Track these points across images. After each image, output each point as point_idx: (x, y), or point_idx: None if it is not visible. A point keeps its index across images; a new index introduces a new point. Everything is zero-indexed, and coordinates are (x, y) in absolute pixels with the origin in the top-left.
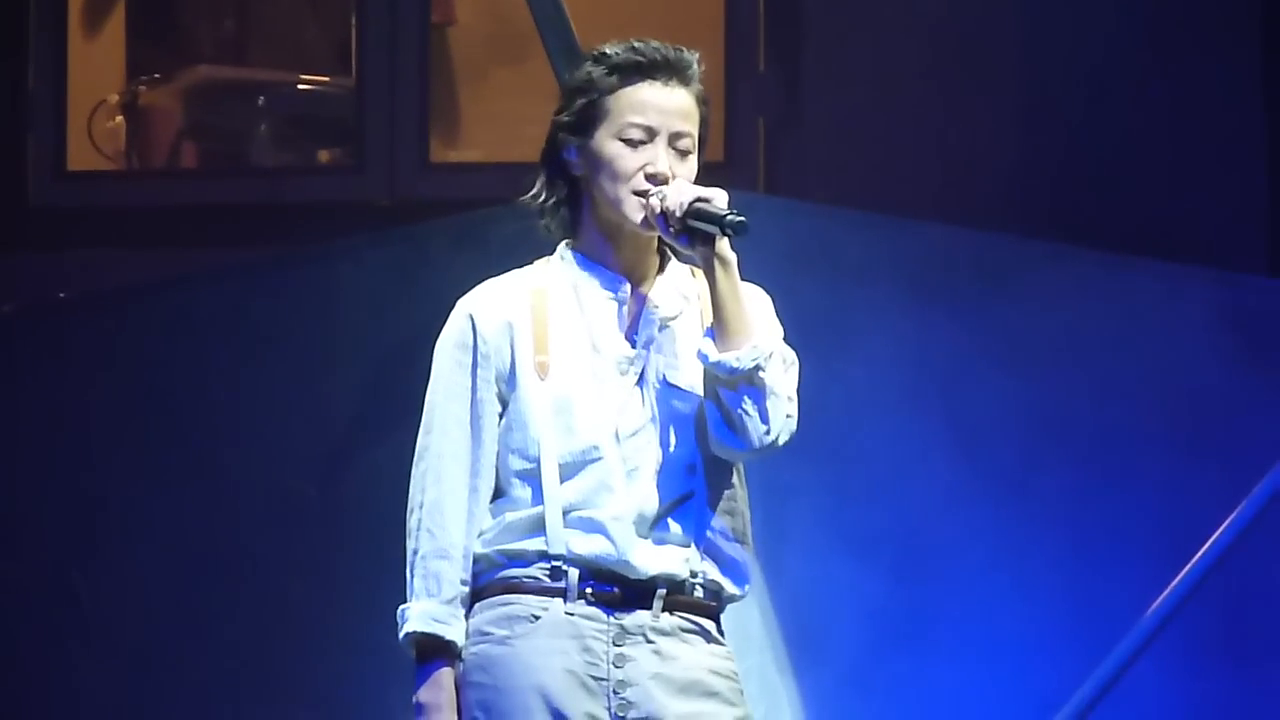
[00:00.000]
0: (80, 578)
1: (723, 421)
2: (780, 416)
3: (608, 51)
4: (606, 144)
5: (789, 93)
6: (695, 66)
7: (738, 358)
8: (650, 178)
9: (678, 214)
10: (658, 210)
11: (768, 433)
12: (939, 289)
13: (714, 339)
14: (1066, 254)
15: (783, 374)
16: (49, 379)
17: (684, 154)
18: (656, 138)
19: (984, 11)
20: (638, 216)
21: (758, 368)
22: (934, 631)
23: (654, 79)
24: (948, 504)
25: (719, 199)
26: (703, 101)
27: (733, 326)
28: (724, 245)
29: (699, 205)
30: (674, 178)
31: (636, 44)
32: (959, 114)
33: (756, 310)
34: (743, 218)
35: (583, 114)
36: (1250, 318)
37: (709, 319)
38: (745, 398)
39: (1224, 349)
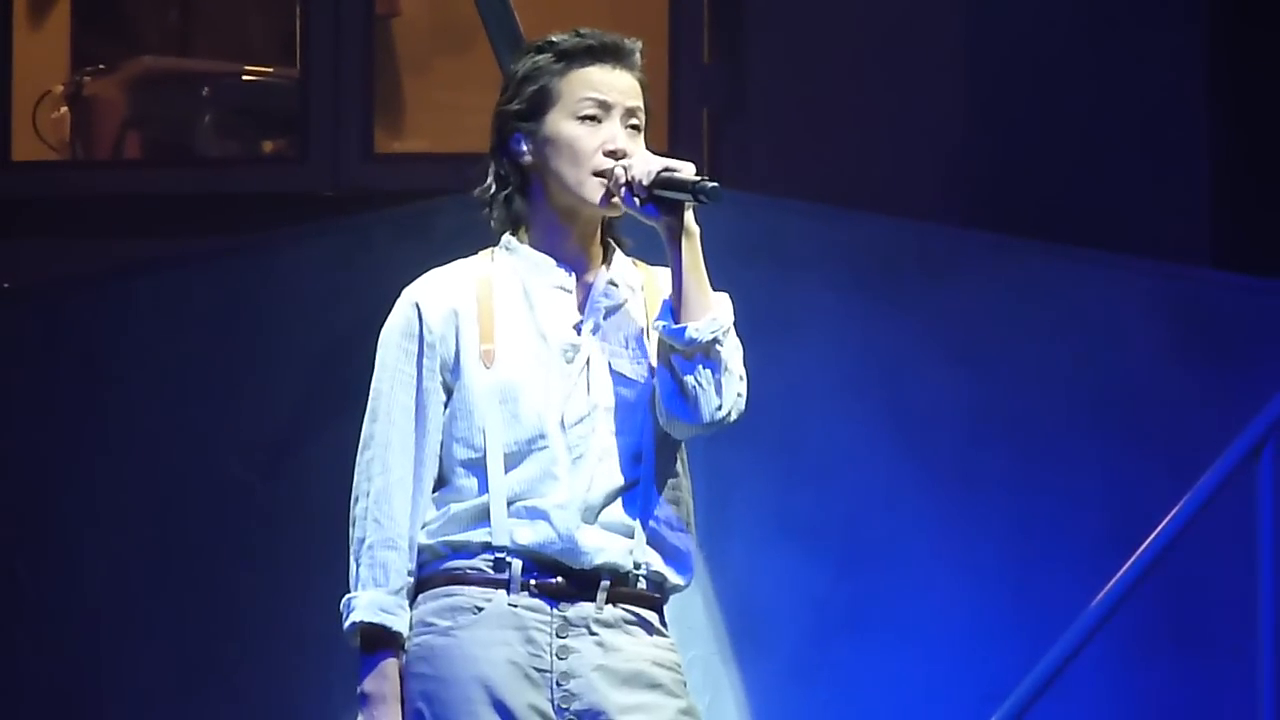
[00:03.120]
0: (23, 568)
1: (676, 393)
2: (732, 393)
3: (553, 39)
4: (562, 125)
5: (733, 84)
6: (638, 53)
7: (697, 328)
8: (610, 154)
9: (645, 183)
10: (623, 181)
11: (720, 407)
12: (882, 279)
13: (672, 310)
14: (1009, 245)
15: (736, 351)
16: None
17: (636, 130)
18: (611, 112)
19: (928, 3)
20: (597, 196)
21: (715, 340)
22: (877, 621)
23: (602, 62)
24: (891, 494)
25: (686, 169)
26: (645, 87)
27: (693, 298)
28: (689, 217)
29: (667, 174)
30: (629, 154)
31: (581, 31)
32: (902, 105)
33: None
34: (715, 183)
35: (532, 100)
36: (1192, 309)
37: (653, 309)
38: (701, 368)
39: (1166, 340)
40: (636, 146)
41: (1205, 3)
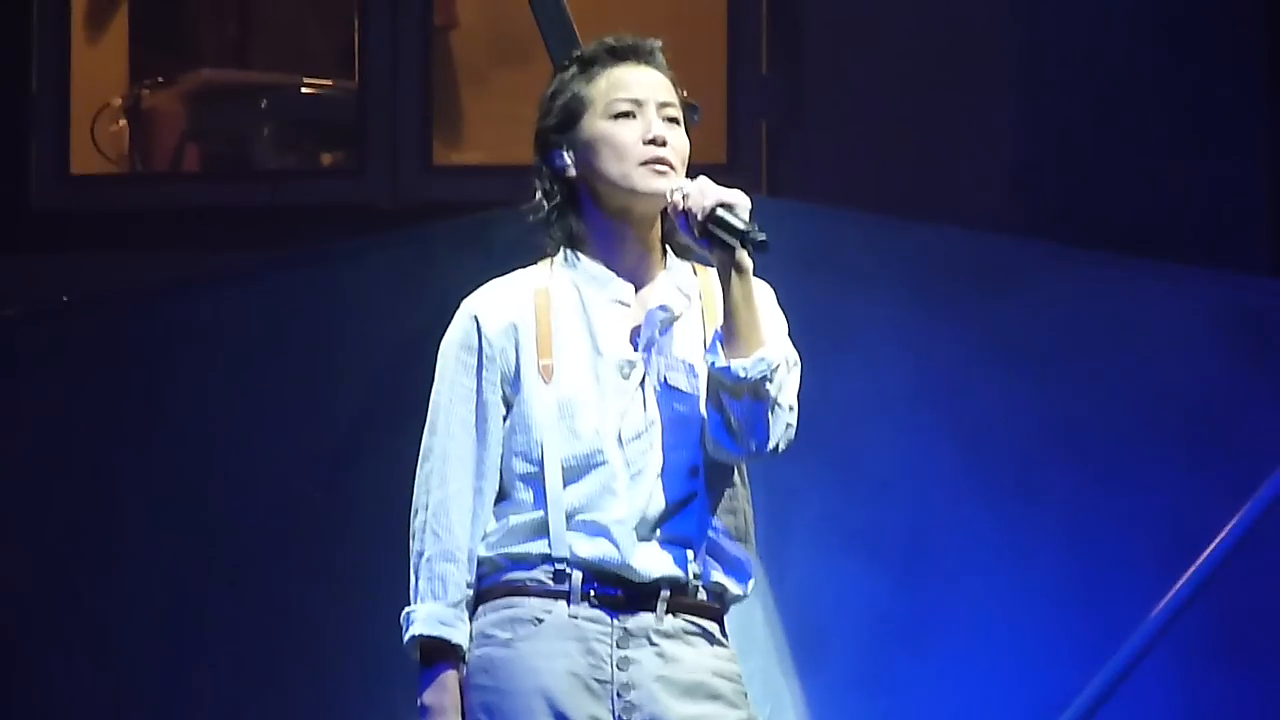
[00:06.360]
0: (83, 580)
1: (722, 426)
2: (781, 426)
3: (574, 54)
4: (598, 126)
5: (791, 95)
6: (658, 52)
7: (744, 368)
8: (650, 142)
9: (699, 217)
10: (680, 208)
11: (767, 441)
12: (941, 290)
13: (722, 343)
14: (1069, 255)
15: (787, 379)
16: (51, 382)
17: (673, 122)
18: (644, 107)
19: (985, 11)
20: (649, 184)
21: (764, 379)
22: (938, 633)
23: (625, 61)
24: (951, 505)
25: (742, 206)
26: (675, 84)
27: (743, 334)
28: (743, 255)
29: (722, 213)
30: (670, 143)
31: (601, 39)
32: (960, 114)
33: (767, 317)
34: (764, 236)
35: (565, 111)
36: (1253, 318)
37: (711, 318)
38: (748, 406)
39: (1227, 349)
40: (674, 138)
41: (1263, 8)
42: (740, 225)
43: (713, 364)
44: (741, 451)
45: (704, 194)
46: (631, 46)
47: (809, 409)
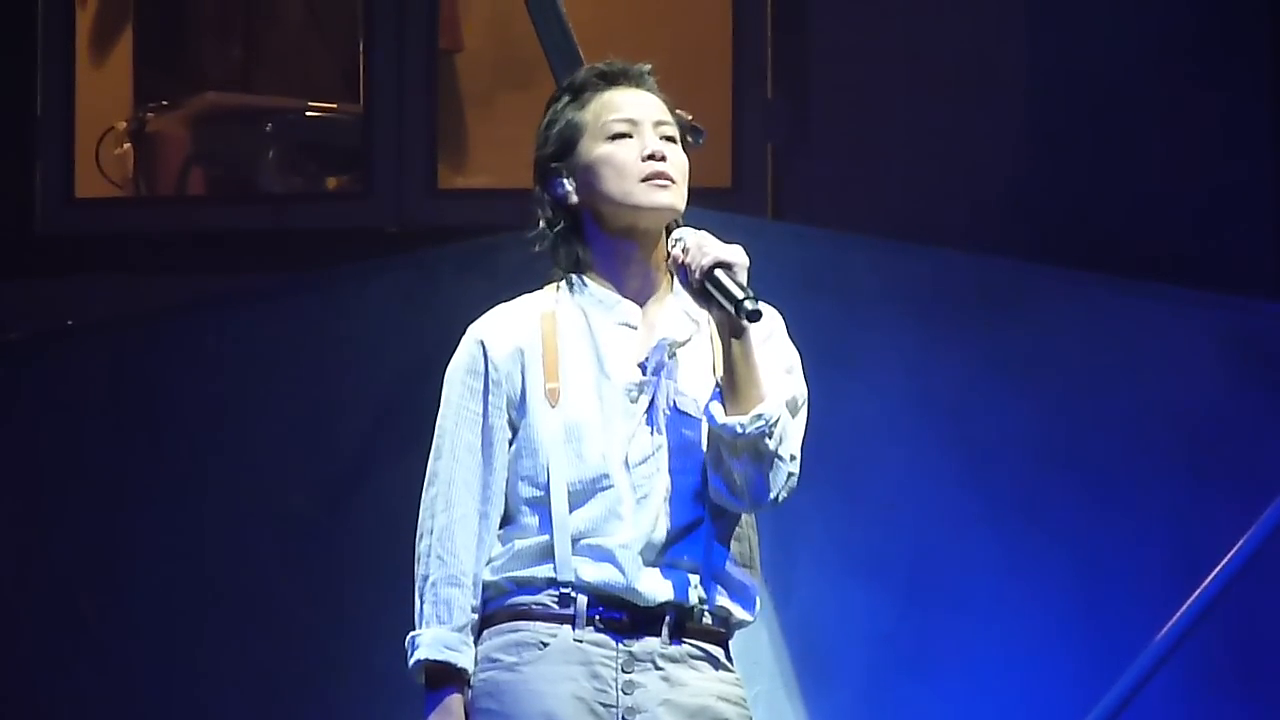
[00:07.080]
0: (86, 600)
1: (722, 482)
2: (781, 478)
3: (564, 83)
4: (596, 149)
5: (796, 119)
6: (649, 75)
7: (742, 424)
8: (649, 158)
9: (697, 274)
10: (679, 261)
11: (766, 495)
12: (946, 313)
13: (721, 399)
14: (1074, 278)
15: (789, 429)
16: (57, 406)
17: (670, 140)
18: (640, 127)
19: (990, 37)
20: (652, 198)
21: (763, 434)
22: (943, 655)
23: (616, 85)
24: (956, 528)
25: (740, 266)
26: (670, 106)
27: (742, 390)
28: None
29: (719, 275)
30: (669, 158)
31: (591, 65)
32: (965, 139)
33: (770, 363)
34: (757, 305)
35: (561, 138)
36: (1258, 341)
37: (718, 340)
38: (747, 462)
39: (1232, 373)
40: (673, 155)
41: (1268, 31)
42: (736, 292)
43: (711, 419)
44: (743, 505)
45: (703, 251)
46: (621, 70)
47: (814, 433)
